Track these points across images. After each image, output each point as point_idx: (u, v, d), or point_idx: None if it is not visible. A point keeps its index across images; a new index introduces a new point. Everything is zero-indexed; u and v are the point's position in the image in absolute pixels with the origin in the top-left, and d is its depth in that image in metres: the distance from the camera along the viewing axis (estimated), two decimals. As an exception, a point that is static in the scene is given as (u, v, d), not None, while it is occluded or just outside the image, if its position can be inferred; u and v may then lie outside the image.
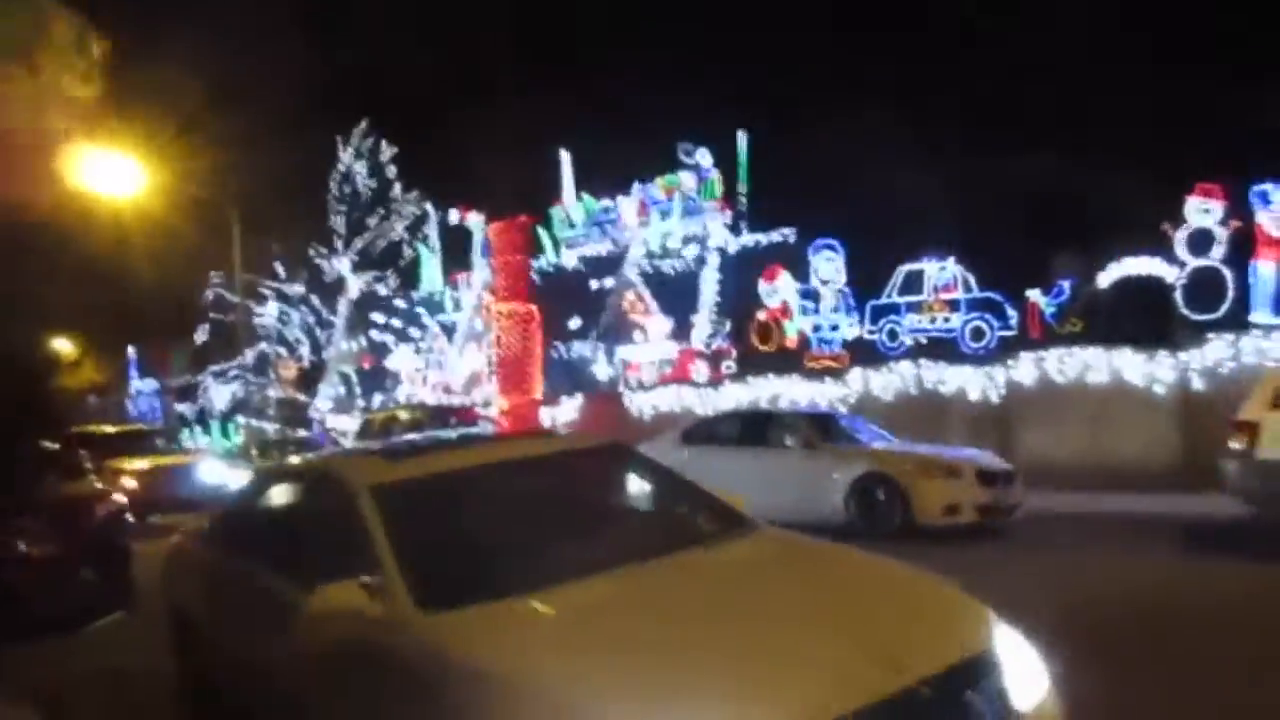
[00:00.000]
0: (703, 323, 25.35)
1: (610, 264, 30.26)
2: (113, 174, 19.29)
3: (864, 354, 18.60)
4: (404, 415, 19.02)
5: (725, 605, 3.43)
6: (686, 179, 30.37)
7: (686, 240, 29.51)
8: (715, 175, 30.41)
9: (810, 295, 19.65)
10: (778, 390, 18.72)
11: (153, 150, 25.90)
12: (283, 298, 43.04)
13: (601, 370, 27.65)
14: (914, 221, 18.64)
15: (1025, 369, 15.50)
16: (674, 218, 30.07)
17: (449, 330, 34.40)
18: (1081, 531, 11.05)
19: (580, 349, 28.09)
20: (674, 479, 5.11)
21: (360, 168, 42.95)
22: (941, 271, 18.04)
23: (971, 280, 17.91)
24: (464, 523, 4.41)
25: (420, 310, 36.19)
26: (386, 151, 42.50)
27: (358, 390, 37.02)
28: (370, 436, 18.30)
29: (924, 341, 18.10)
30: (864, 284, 19.38)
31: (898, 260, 18.80)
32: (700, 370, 21.74)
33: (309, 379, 40.26)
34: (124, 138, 25.26)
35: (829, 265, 19.30)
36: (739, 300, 21.46)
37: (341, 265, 42.10)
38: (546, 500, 4.78)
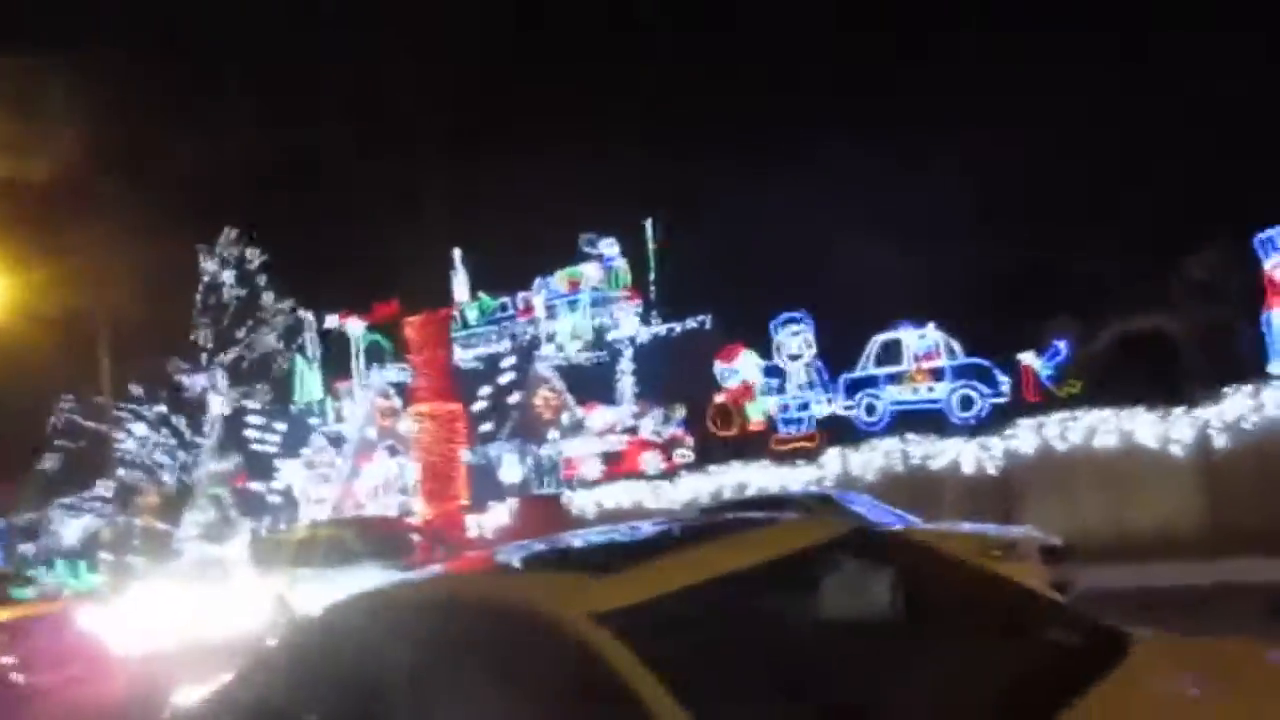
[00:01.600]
0: (625, 414, 23.82)
1: (514, 361, 28.59)
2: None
3: (839, 432, 17.18)
4: (324, 531, 16.52)
5: None
6: (591, 270, 29.24)
7: (596, 331, 28.29)
8: (621, 264, 29.42)
9: (774, 373, 18.23)
10: (743, 478, 17.08)
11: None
12: (141, 419, 39.74)
13: (513, 472, 25.63)
14: (880, 293, 17.59)
15: (1025, 437, 14.34)
16: (580, 309, 28.84)
17: (335, 442, 31.82)
18: (1155, 608, 9.82)
19: (495, 450, 26.06)
20: (974, 573, 3.44)
21: (227, 276, 40.79)
22: (921, 339, 16.86)
23: (956, 346, 16.80)
24: (748, 666, 2.62)
25: (301, 422, 33.71)
26: (255, 259, 40.63)
27: (232, 513, 33.80)
28: (279, 560, 15.72)
29: (906, 414, 16.75)
30: (832, 359, 18.10)
31: (865, 331, 17.56)
32: (651, 461, 20.05)
33: (173, 505, 36.84)
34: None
35: (795, 339, 17.98)
36: (693, 384, 19.94)
37: (207, 381, 39.40)
38: (828, 618, 3.18)
